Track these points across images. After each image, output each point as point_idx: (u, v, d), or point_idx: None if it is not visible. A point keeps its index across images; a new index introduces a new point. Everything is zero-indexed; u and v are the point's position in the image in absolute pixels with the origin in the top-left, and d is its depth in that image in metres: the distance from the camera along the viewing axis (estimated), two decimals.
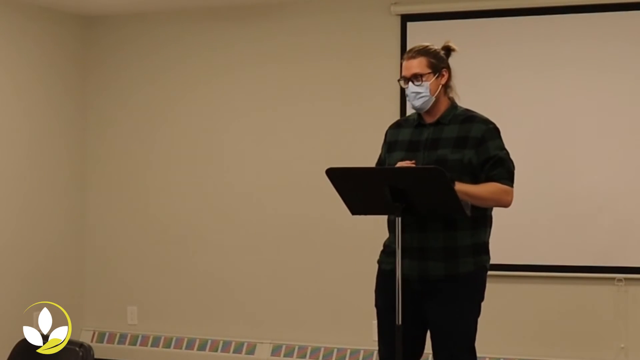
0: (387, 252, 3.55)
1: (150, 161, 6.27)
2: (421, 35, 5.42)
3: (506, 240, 5.41)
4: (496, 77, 5.42)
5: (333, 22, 5.82)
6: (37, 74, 5.99)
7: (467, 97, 5.25)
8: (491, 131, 3.44)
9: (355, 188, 3.36)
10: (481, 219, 3.45)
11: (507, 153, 3.44)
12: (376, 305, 3.61)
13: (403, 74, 3.48)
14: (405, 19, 5.58)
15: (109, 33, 6.37)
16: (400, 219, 3.24)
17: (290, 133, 5.92)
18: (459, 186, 3.26)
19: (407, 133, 3.53)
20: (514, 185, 3.42)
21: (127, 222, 6.32)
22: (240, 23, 6.01)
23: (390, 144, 3.58)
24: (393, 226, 3.43)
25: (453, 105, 3.52)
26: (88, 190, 6.41)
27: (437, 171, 3.17)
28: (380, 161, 3.65)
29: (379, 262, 3.62)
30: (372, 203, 3.36)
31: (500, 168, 3.39)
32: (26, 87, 5.89)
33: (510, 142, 5.28)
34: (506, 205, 3.43)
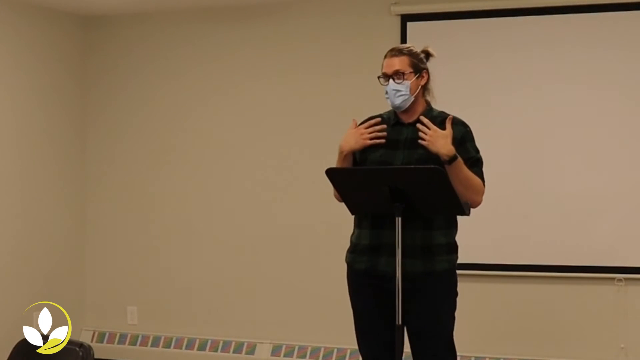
0: (358, 250, 3.54)
1: (150, 162, 6.26)
2: (421, 35, 5.43)
3: (506, 240, 5.41)
4: (497, 76, 5.41)
5: (333, 23, 5.81)
6: (34, 76, 5.97)
7: (467, 96, 5.29)
8: (469, 133, 3.51)
9: (355, 188, 3.37)
10: (453, 219, 3.52)
11: (480, 155, 3.51)
12: (354, 307, 3.60)
13: (384, 70, 3.51)
14: (405, 19, 5.57)
15: (109, 33, 6.36)
16: (399, 218, 3.25)
17: (289, 133, 5.92)
18: (460, 162, 3.33)
19: (383, 131, 3.54)
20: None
21: (127, 223, 6.32)
22: (240, 24, 6.01)
23: None
24: (362, 222, 3.50)
25: (429, 106, 3.57)
26: (88, 191, 6.40)
27: (438, 171, 3.18)
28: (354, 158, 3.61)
29: (348, 261, 3.61)
30: (371, 203, 3.37)
31: (477, 168, 3.46)
32: (23, 89, 5.88)
33: (511, 142, 5.35)
34: (478, 203, 3.46)
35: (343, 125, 5.73)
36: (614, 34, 5.23)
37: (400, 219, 3.25)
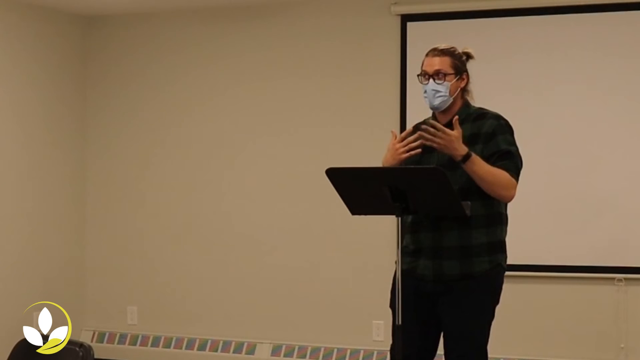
0: (405, 252, 3.51)
1: (150, 163, 6.26)
2: (421, 35, 5.43)
3: (506, 240, 5.40)
4: (497, 76, 5.41)
5: (333, 23, 5.81)
6: (34, 76, 5.96)
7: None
8: (502, 126, 3.44)
9: (355, 188, 3.36)
10: (496, 216, 3.44)
11: (517, 150, 3.44)
12: (390, 306, 3.59)
13: (425, 69, 3.45)
14: (405, 19, 5.58)
15: (109, 33, 6.36)
16: (400, 219, 3.25)
17: (289, 133, 5.92)
18: (475, 159, 3.27)
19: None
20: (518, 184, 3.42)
21: (127, 223, 6.31)
22: (240, 25, 6.00)
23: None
24: (406, 227, 3.44)
25: (466, 105, 3.51)
26: (88, 191, 6.40)
27: (437, 171, 3.17)
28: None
29: (396, 261, 3.60)
30: (372, 203, 3.36)
31: (508, 161, 3.38)
32: (23, 89, 5.87)
33: None
34: (507, 198, 3.40)
35: (344, 125, 5.78)
36: (613, 35, 5.23)
37: (399, 219, 3.25)
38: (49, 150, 6.08)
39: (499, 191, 3.36)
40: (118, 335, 6.30)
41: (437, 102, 3.43)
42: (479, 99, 5.64)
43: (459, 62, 3.46)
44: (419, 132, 3.33)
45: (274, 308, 5.95)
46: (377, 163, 3.50)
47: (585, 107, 5.29)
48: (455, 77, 3.43)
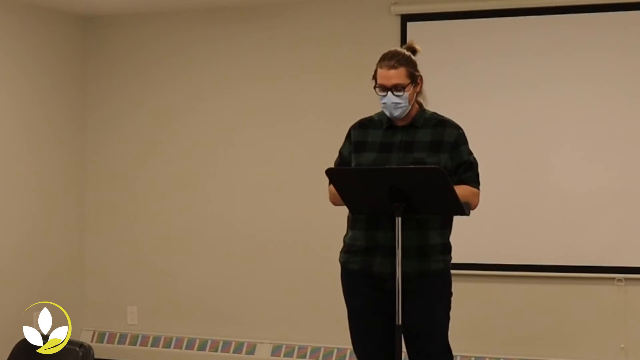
0: (352, 251, 3.57)
1: (150, 163, 6.26)
2: (421, 35, 5.42)
3: (507, 240, 5.41)
4: (497, 76, 5.42)
5: (333, 23, 5.81)
6: (34, 76, 5.96)
7: (467, 96, 5.29)
8: (462, 136, 3.52)
9: (355, 188, 3.37)
10: (448, 219, 3.53)
11: (474, 156, 3.54)
12: (349, 307, 3.62)
13: (381, 82, 3.49)
14: (405, 19, 5.58)
15: (109, 34, 6.36)
16: (399, 219, 3.25)
17: (289, 133, 5.92)
18: None
19: (377, 134, 3.57)
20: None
21: (127, 223, 6.31)
22: (240, 25, 6.00)
23: (358, 144, 3.61)
24: (357, 223, 3.53)
25: (422, 108, 3.57)
26: (88, 191, 6.41)
27: (438, 171, 3.18)
28: (344, 161, 3.65)
29: (342, 262, 3.63)
30: (372, 203, 3.37)
31: (470, 172, 3.49)
32: (23, 90, 5.88)
33: (511, 142, 5.35)
34: (474, 207, 3.50)
35: (344, 126, 5.75)
36: (615, 34, 5.23)
37: (399, 219, 3.25)
38: (48, 150, 6.08)
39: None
40: (118, 335, 6.30)
41: (397, 112, 3.48)
42: (479, 97, 5.65)
43: (413, 69, 3.49)
44: None
45: (274, 308, 5.95)
46: None
47: (586, 107, 5.29)
48: (412, 85, 3.47)
